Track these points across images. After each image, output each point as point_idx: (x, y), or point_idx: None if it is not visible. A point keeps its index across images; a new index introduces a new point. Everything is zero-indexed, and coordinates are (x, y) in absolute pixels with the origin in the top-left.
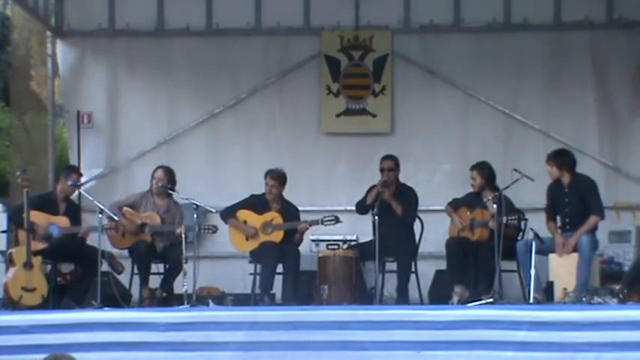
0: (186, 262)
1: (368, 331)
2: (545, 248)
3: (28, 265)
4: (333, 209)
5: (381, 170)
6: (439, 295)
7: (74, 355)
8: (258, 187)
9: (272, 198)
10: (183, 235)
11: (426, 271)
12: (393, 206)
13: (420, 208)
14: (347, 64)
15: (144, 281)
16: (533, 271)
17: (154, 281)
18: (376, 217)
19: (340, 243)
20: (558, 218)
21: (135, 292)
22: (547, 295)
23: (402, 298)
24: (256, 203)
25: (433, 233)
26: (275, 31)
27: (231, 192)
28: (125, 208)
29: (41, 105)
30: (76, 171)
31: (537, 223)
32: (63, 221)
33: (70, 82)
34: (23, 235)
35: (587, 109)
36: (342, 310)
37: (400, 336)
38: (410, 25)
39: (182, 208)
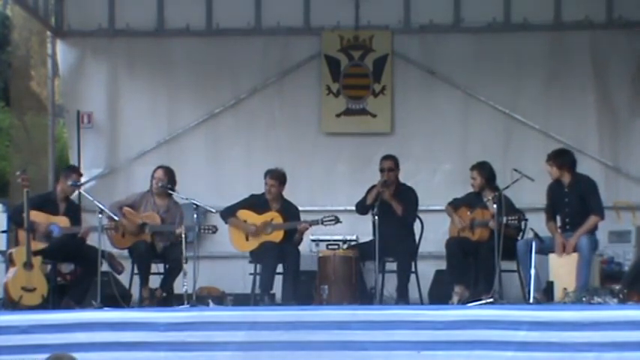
0: (186, 262)
1: (368, 331)
2: (545, 248)
3: (28, 265)
4: (333, 209)
5: (381, 170)
6: (439, 295)
7: (74, 355)
8: (258, 187)
9: (272, 198)
10: (183, 235)
11: (426, 271)
12: (393, 206)
13: (420, 208)
14: (347, 64)
15: (144, 281)
16: (533, 271)
17: (154, 281)
18: (376, 217)
19: (340, 243)
20: (558, 218)
21: (135, 292)
22: (547, 295)
23: (402, 298)
24: (256, 203)
25: (433, 233)
26: (275, 31)
27: (231, 192)
28: (125, 208)
29: (41, 105)
30: (76, 171)
31: (537, 223)
32: (63, 221)
33: (70, 82)
34: (23, 235)
35: (587, 109)
36: (342, 310)
37: (400, 336)
38: (410, 25)
39: (182, 208)
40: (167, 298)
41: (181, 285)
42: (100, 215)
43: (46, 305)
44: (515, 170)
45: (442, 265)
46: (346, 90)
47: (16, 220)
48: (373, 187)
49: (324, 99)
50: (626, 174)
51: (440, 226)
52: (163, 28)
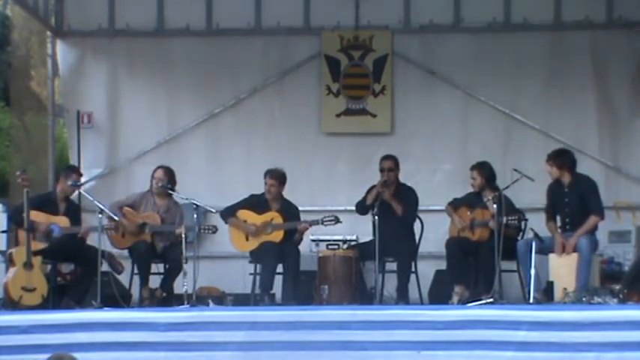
0: (186, 262)
1: (368, 331)
2: (545, 248)
3: (28, 265)
4: (333, 209)
5: (381, 170)
6: (439, 295)
7: (75, 355)
8: (258, 187)
9: (271, 197)
10: (183, 235)
11: (426, 271)
12: (393, 206)
13: (420, 208)
14: (347, 64)
15: (144, 281)
16: (533, 271)
17: (154, 281)
18: (376, 217)
19: (340, 243)
20: (558, 218)
21: (135, 292)
22: (547, 295)
23: (402, 298)
24: (256, 203)
25: (433, 233)
26: (275, 31)
27: (231, 192)
28: (125, 208)
29: (41, 105)
30: (76, 171)
31: (537, 223)
32: (63, 221)
33: (70, 82)
34: (23, 235)
35: (587, 109)
36: (342, 310)
37: (400, 336)
38: (410, 25)
39: (182, 208)
40: (167, 298)
41: (181, 285)
42: (100, 215)
43: (46, 305)
44: (515, 170)
45: (442, 265)
46: (346, 90)
47: (16, 220)
48: (373, 187)
49: (324, 99)
50: (626, 174)
51: (440, 226)
52: (163, 28)
